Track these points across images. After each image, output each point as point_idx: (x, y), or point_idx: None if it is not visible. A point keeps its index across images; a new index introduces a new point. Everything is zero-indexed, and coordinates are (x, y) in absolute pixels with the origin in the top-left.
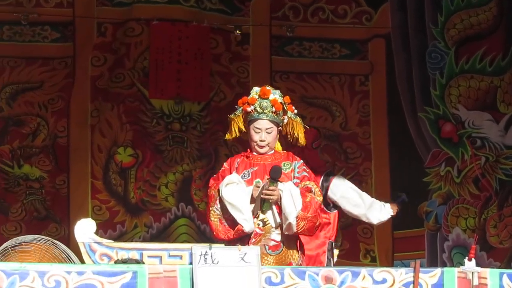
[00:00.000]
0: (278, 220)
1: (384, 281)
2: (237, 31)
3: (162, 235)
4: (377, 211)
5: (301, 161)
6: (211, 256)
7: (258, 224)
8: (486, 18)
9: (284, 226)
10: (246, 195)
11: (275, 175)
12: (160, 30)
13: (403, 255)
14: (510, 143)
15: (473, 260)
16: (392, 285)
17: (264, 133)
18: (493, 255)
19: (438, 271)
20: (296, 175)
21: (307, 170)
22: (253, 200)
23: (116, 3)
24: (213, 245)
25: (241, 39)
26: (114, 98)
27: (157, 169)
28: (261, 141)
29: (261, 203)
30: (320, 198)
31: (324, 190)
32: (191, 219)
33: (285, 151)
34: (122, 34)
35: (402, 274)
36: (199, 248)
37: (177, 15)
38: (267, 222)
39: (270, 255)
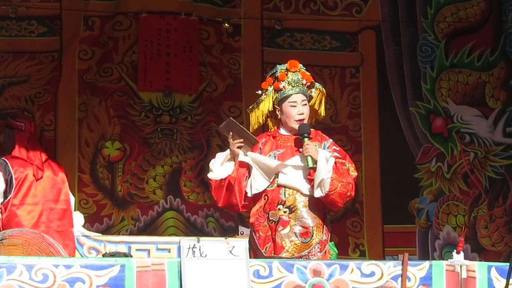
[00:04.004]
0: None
1: (372, 274)
2: (226, 24)
3: (149, 228)
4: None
5: (331, 140)
6: (199, 249)
7: (285, 212)
8: (474, 12)
9: (316, 187)
10: (223, 155)
11: (304, 131)
12: (148, 23)
13: (394, 251)
14: (499, 139)
15: (462, 253)
16: (381, 278)
17: (300, 106)
18: (485, 257)
19: (426, 264)
20: None
21: (338, 149)
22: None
23: None
24: (201, 238)
25: (232, 31)
26: (102, 92)
27: (145, 162)
28: (299, 114)
29: (306, 162)
30: (355, 173)
31: None
32: (179, 212)
33: (313, 130)
34: (109, 28)
35: (391, 267)
36: (187, 241)
37: (168, 6)
38: (293, 209)
39: (303, 243)
